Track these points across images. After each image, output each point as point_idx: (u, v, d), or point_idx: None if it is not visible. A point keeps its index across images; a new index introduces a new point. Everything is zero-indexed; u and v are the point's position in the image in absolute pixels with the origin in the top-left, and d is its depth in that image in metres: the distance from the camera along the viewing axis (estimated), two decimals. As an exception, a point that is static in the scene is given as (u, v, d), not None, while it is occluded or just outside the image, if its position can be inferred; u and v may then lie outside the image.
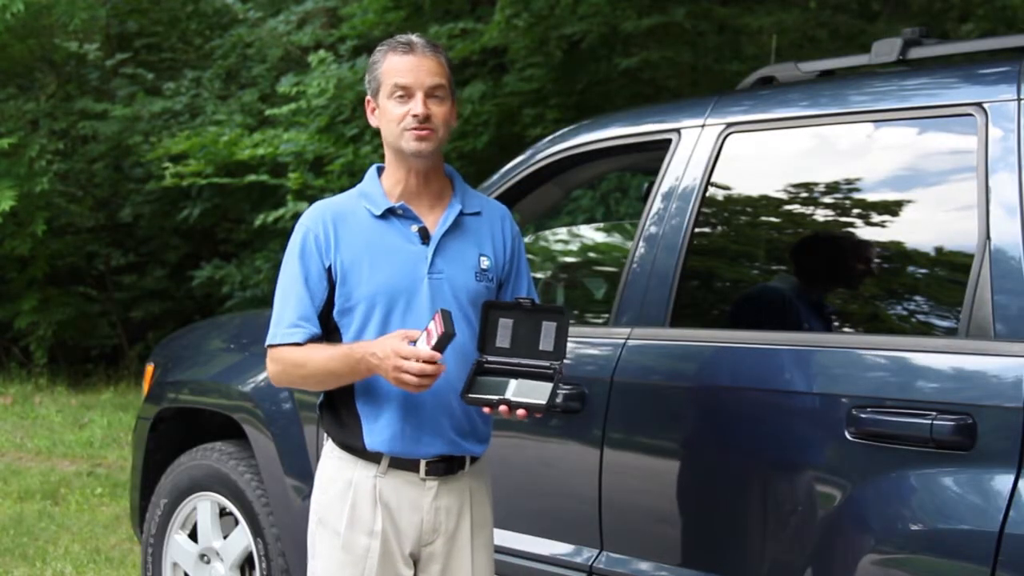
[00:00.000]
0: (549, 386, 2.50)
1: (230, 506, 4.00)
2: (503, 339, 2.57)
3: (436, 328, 2.43)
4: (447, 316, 2.42)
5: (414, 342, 2.46)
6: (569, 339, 2.58)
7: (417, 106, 2.57)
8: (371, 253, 2.60)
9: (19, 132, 10.34)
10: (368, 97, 2.69)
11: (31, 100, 11.02)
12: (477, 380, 2.54)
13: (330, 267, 2.61)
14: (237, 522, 4.00)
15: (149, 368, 4.57)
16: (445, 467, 2.63)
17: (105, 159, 11.34)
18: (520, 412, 2.48)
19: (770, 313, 3.11)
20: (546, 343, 2.56)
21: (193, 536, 4.13)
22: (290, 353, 2.60)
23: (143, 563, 4.23)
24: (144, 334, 11.36)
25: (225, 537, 4.05)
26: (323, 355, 2.57)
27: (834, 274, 3.02)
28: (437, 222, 2.65)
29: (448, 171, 2.74)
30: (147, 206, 11.22)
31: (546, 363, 2.54)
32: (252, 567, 3.96)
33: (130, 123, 10.69)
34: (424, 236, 2.63)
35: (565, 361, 2.56)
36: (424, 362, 2.42)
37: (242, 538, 3.96)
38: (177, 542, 4.14)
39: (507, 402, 2.48)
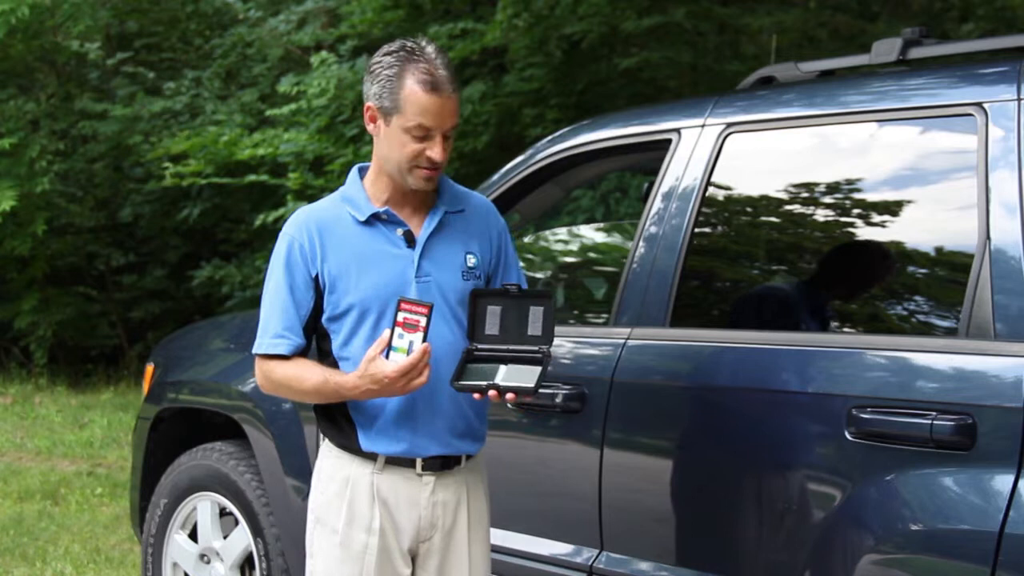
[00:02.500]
0: (538, 370, 2.51)
1: (230, 506, 4.00)
2: (492, 326, 2.59)
3: (409, 319, 2.44)
4: (405, 300, 2.46)
5: (387, 348, 2.46)
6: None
7: (436, 151, 2.53)
8: (358, 260, 2.59)
9: (19, 132, 10.35)
10: (370, 104, 2.59)
11: (31, 100, 11.02)
12: (467, 368, 2.55)
13: (317, 276, 2.60)
14: (237, 522, 4.00)
15: (149, 368, 4.57)
16: (441, 463, 2.64)
17: (105, 159, 11.34)
18: (509, 396, 2.48)
19: (772, 313, 3.11)
20: (534, 328, 2.57)
21: (193, 536, 4.13)
22: (278, 369, 2.61)
23: (143, 563, 4.23)
24: (144, 334, 11.36)
25: (225, 537, 4.05)
26: (311, 383, 2.57)
27: (852, 280, 3.02)
28: (422, 224, 2.64)
29: None
30: (147, 206, 11.23)
31: (535, 347, 2.55)
32: (252, 567, 3.96)
33: (130, 123, 10.69)
34: (409, 240, 2.62)
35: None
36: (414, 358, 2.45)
37: (242, 538, 3.96)
38: (177, 542, 4.14)
39: (496, 387, 2.49)
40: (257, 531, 3.88)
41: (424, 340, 2.46)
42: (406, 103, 2.52)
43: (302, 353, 2.62)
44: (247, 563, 3.99)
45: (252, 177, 9.15)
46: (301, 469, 3.74)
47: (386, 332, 2.48)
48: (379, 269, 2.58)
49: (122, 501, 6.45)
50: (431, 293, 2.57)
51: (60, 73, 11.40)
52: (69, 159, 11.21)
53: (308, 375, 2.58)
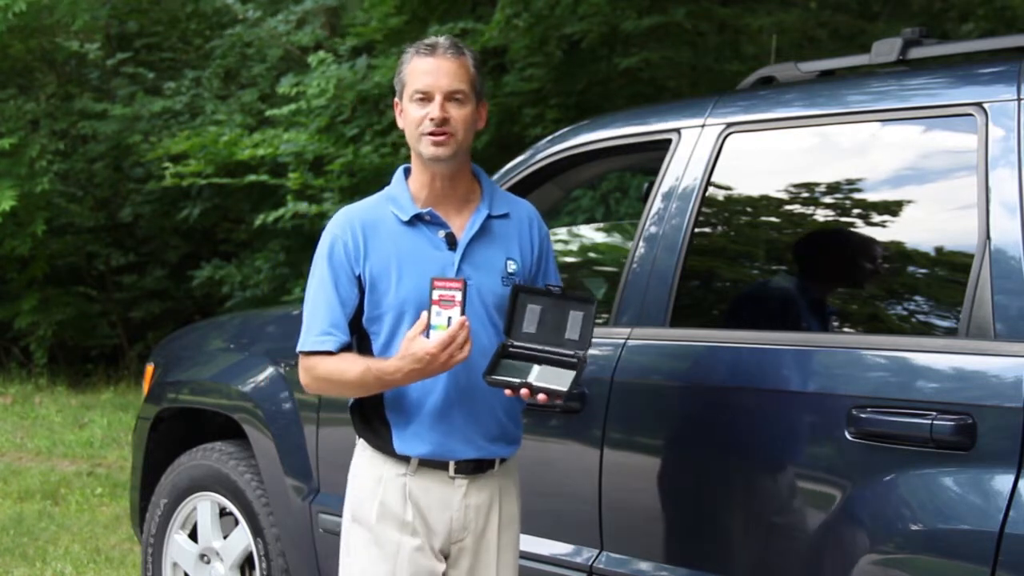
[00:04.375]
0: (572, 374, 2.51)
1: (230, 506, 4.00)
2: (530, 324, 2.58)
3: (444, 295, 2.44)
4: (438, 278, 2.47)
5: (426, 329, 2.46)
6: None
7: (434, 109, 2.55)
8: (399, 261, 2.60)
9: (19, 132, 10.35)
10: (396, 99, 2.68)
11: (31, 100, 11.02)
12: (501, 363, 2.55)
13: (360, 275, 2.60)
14: (237, 522, 4.00)
15: (149, 368, 4.57)
16: (474, 467, 2.64)
17: (105, 159, 11.33)
18: (541, 396, 2.48)
19: (771, 311, 3.11)
20: (572, 332, 2.56)
21: (193, 536, 4.13)
22: (323, 364, 2.60)
23: (143, 563, 4.23)
24: (144, 334, 11.35)
25: (225, 537, 4.05)
26: (353, 374, 2.56)
27: (839, 272, 3.02)
28: (464, 227, 2.64)
29: (475, 171, 2.73)
30: (147, 206, 11.22)
31: (570, 352, 2.54)
32: (252, 567, 3.96)
33: (130, 123, 10.69)
34: (451, 242, 2.62)
35: None
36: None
37: (242, 538, 3.96)
38: (177, 542, 4.14)
39: (529, 386, 2.49)
40: (257, 531, 3.88)
41: (462, 314, 2.45)
42: (408, 75, 2.61)
43: (347, 351, 2.62)
44: (247, 563, 3.99)
45: (252, 177, 9.15)
46: (301, 469, 3.75)
47: (424, 315, 2.48)
48: (419, 270, 2.58)
49: (122, 501, 6.45)
50: (470, 296, 2.53)
51: (60, 73, 11.40)
52: (69, 159, 11.21)
53: (350, 367, 2.57)
